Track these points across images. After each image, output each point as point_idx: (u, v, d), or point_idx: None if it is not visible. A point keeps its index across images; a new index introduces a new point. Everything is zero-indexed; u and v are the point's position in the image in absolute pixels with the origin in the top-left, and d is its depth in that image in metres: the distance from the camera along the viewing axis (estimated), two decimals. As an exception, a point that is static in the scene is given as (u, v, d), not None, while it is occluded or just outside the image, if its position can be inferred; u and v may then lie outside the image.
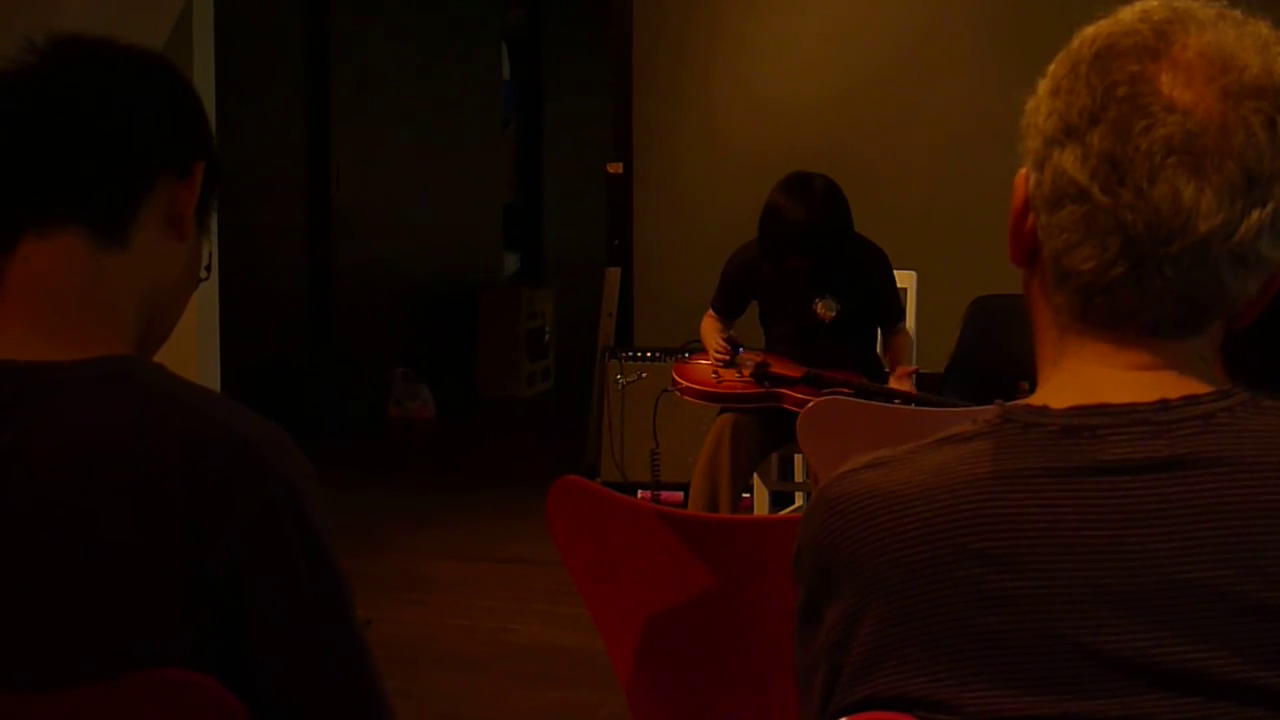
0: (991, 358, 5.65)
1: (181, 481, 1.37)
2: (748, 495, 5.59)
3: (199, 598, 1.37)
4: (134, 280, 1.52)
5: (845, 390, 4.71)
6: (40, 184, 1.50)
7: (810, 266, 4.89)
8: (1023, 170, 1.19)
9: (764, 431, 4.92)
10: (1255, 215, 1.11)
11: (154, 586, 1.37)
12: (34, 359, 1.43)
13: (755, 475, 5.26)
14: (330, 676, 1.45)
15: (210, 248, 1.65)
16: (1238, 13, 1.16)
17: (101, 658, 1.37)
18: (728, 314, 5.27)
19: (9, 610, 1.38)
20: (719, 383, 4.98)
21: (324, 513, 1.45)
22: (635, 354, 6.57)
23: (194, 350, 7.44)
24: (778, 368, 4.95)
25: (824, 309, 4.97)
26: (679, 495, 5.83)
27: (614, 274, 7.11)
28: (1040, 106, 1.17)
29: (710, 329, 5.23)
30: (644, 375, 6.27)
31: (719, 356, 5.02)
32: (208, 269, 1.66)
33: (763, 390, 4.87)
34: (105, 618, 1.37)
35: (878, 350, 5.18)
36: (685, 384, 5.00)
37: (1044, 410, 1.16)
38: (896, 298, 5.11)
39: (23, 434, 1.40)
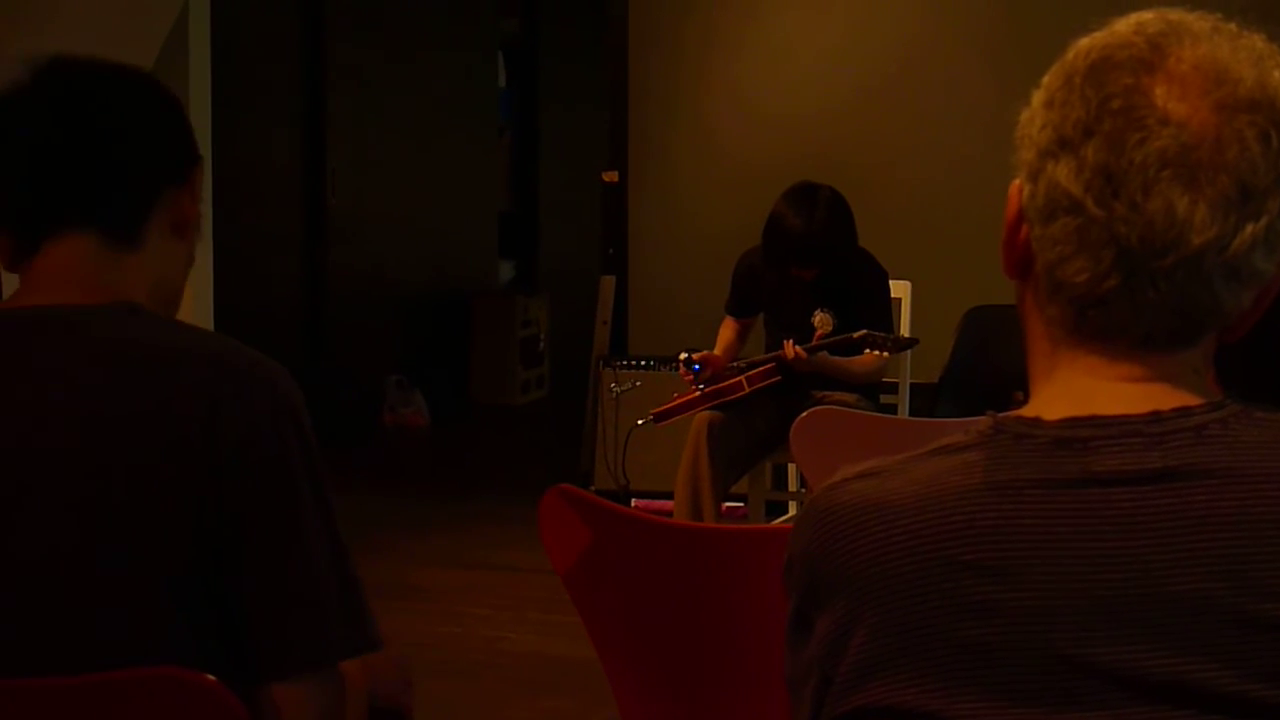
0: (986, 368, 5.65)
1: (201, 385, 1.54)
2: (742, 504, 5.60)
3: (207, 492, 1.52)
4: (144, 274, 1.68)
5: (774, 375, 4.91)
6: (58, 203, 1.66)
7: (813, 277, 4.90)
8: (1016, 182, 1.19)
9: (744, 429, 4.94)
10: (1249, 229, 1.11)
11: (173, 474, 1.52)
12: (60, 303, 1.61)
13: (749, 484, 5.27)
14: (317, 567, 1.59)
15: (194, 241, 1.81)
16: (1232, 26, 1.16)
17: (114, 544, 1.51)
18: (739, 313, 5.31)
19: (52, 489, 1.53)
20: (676, 396, 5.11)
21: (313, 434, 1.62)
22: (630, 362, 6.56)
23: (188, 356, 7.43)
24: (713, 367, 5.06)
25: (821, 322, 4.99)
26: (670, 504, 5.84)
27: (608, 282, 7.11)
28: (1034, 118, 1.17)
29: (718, 338, 5.27)
30: (638, 384, 6.27)
31: (685, 378, 5.08)
32: (192, 258, 1.81)
33: (699, 392, 4.98)
34: (129, 501, 1.52)
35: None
36: (652, 413, 5.19)
37: (1036, 422, 1.16)
38: (886, 323, 5.09)
39: (66, 355, 1.57)
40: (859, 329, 4.87)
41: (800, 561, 1.21)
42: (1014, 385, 1.34)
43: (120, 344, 1.58)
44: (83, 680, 1.45)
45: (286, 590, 1.57)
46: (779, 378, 4.96)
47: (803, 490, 5.47)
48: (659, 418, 5.14)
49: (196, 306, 7.52)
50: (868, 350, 4.87)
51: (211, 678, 1.45)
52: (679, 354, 5.11)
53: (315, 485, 1.60)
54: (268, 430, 1.56)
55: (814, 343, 4.90)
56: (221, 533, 1.53)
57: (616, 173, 7.17)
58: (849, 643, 1.15)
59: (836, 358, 4.94)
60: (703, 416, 4.92)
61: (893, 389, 5.46)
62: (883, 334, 4.85)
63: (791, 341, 4.86)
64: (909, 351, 5.26)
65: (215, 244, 7.65)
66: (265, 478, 1.55)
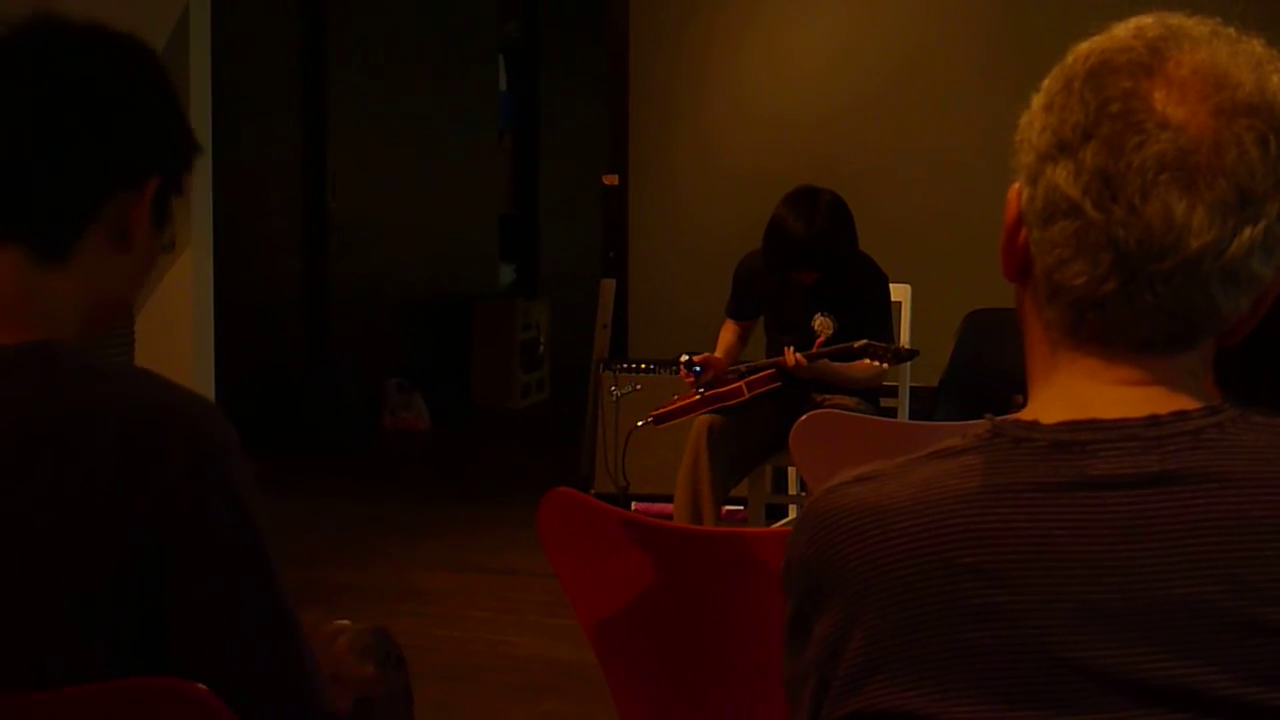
0: (986, 371, 5.65)
1: (112, 443, 1.38)
2: (742, 508, 5.60)
3: (124, 558, 1.38)
4: (74, 293, 1.50)
5: (774, 381, 4.91)
6: None
7: (814, 281, 4.91)
8: (1016, 185, 1.20)
9: (744, 432, 4.94)
10: (1247, 233, 1.11)
11: (82, 544, 1.37)
12: None
13: (749, 488, 5.27)
14: (252, 642, 1.44)
15: (173, 230, 1.63)
16: (1231, 30, 1.16)
17: (26, 614, 1.38)
18: (740, 316, 5.31)
19: None
20: (676, 399, 5.11)
21: (250, 484, 1.45)
22: (630, 366, 6.57)
23: (189, 359, 7.44)
24: (713, 369, 5.06)
25: (821, 325, 4.99)
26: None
27: (609, 286, 7.11)
28: (1034, 121, 1.18)
29: (719, 341, 5.28)
30: (638, 387, 6.27)
31: (686, 380, 5.08)
32: (172, 243, 1.61)
33: (699, 396, 4.98)
34: (35, 572, 1.38)
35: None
36: (652, 415, 5.16)
37: (1034, 425, 1.16)
38: (886, 327, 5.09)
39: None
40: (860, 333, 4.87)
41: (798, 565, 1.21)
42: (1014, 388, 1.34)
43: (27, 408, 1.40)
44: (73, 693, 1.39)
45: (222, 674, 1.41)
46: (779, 384, 4.97)
47: (803, 493, 5.47)
48: (659, 419, 5.14)
49: (197, 310, 7.52)
50: (867, 360, 4.87)
51: (202, 687, 1.38)
52: (680, 356, 5.12)
53: (246, 548, 1.43)
54: (186, 494, 1.39)
55: (814, 350, 4.90)
56: (149, 612, 1.39)
57: (617, 176, 7.18)
58: (847, 646, 1.15)
59: (837, 364, 4.94)
60: (703, 420, 4.93)
61: (893, 392, 5.46)
62: (883, 345, 4.85)
63: (792, 349, 4.86)
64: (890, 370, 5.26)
65: (216, 247, 7.66)
66: (186, 548, 1.39)
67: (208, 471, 1.40)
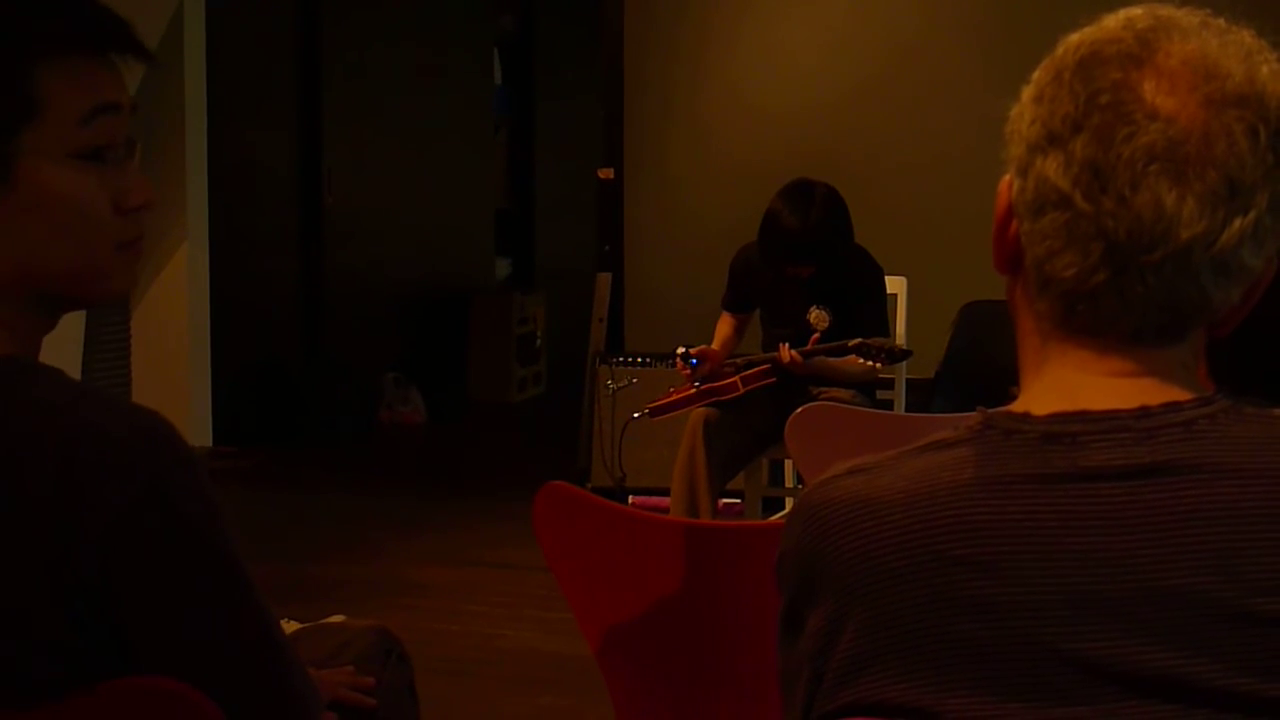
0: (981, 363, 5.65)
1: (45, 487, 1.31)
2: (739, 501, 5.60)
3: (74, 602, 1.33)
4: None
5: (769, 377, 4.91)
6: None
7: (810, 274, 4.90)
8: (1006, 177, 1.20)
9: (740, 425, 4.94)
10: (1237, 223, 1.11)
11: (25, 592, 1.33)
12: None
13: (745, 481, 5.27)
14: (222, 667, 1.40)
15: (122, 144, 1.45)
16: (1221, 21, 1.16)
17: None
18: (736, 309, 5.31)
19: None
20: (673, 391, 5.11)
21: (204, 502, 1.37)
22: (626, 359, 6.56)
23: (185, 354, 7.45)
24: (710, 361, 5.07)
25: (817, 319, 4.99)
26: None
27: (604, 279, 7.10)
28: (1024, 113, 1.18)
29: (715, 334, 5.28)
30: (635, 380, 6.27)
31: (683, 373, 5.08)
32: (132, 144, 1.48)
33: (695, 389, 4.97)
34: None
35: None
36: (648, 407, 5.17)
37: (1025, 417, 1.16)
38: (882, 320, 5.08)
39: None
40: (856, 326, 4.87)
41: (791, 558, 1.21)
42: (1009, 380, 1.34)
43: None
44: (66, 704, 1.36)
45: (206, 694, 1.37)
46: (774, 379, 4.97)
47: (799, 486, 5.47)
48: (655, 412, 5.14)
49: (192, 305, 7.53)
50: (860, 360, 4.85)
51: (193, 690, 1.36)
52: (676, 349, 5.12)
53: (201, 573, 1.38)
54: (128, 533, 1.32)
55: (809, 346, 4.89)
56: (118, 646, 1.36)
57: (612, 169, 7.17)
58: (839, 638, 1.16)
59: (831, 359, 4.94)
60: (699, 413, 4.93)
61: (889, 385, 5.47)
62: (877, 345, 4.82)
63: (787, 345, 4.86)
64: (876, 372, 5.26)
65: (211, 242, 7.66)
66: (139, 586, 1.34)
67: (143, 512, 1.33)
